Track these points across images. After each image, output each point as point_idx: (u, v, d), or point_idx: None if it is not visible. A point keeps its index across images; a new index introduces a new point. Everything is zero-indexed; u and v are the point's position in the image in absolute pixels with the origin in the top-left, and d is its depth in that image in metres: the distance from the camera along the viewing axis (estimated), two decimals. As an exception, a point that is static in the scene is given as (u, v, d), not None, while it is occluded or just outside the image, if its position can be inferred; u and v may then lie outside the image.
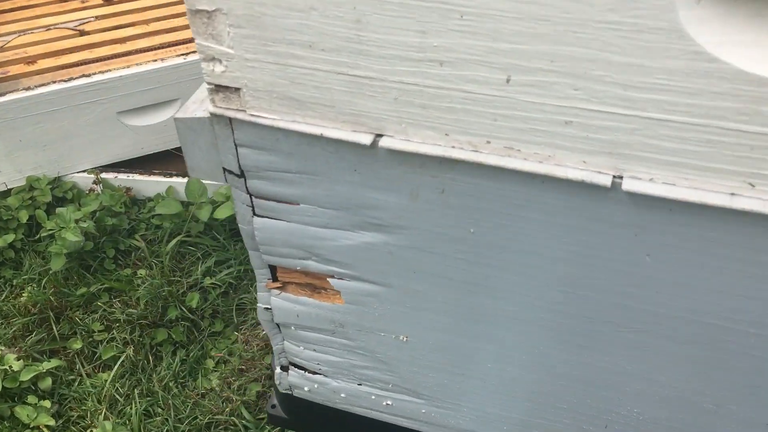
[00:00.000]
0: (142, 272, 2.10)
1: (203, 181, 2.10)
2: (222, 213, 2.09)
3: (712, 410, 0.86)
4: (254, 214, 0.91)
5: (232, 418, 1.81)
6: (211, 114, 0.81)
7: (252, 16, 0.71)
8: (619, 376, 0.88)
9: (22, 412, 1.77)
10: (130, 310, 2.00)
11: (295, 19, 0.70)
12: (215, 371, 1.95)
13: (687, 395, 0.86)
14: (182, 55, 2.24)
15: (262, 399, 1.88)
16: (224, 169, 0.88)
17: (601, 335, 0.84)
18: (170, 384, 1.91)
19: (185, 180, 2.23)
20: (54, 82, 2.13)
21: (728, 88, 0.60)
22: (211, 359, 1.97)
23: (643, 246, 0.73)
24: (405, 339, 0.97)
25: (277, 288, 1.00)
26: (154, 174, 2.29)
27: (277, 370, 1.13)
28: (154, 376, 1.92)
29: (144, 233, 2.19)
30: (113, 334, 1.98)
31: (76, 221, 2.03)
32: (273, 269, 0.99)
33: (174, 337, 1.98)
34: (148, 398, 1.86)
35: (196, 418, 1.81)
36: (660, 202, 0.69)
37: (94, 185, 2.21)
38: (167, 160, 2.35)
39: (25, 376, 1.81)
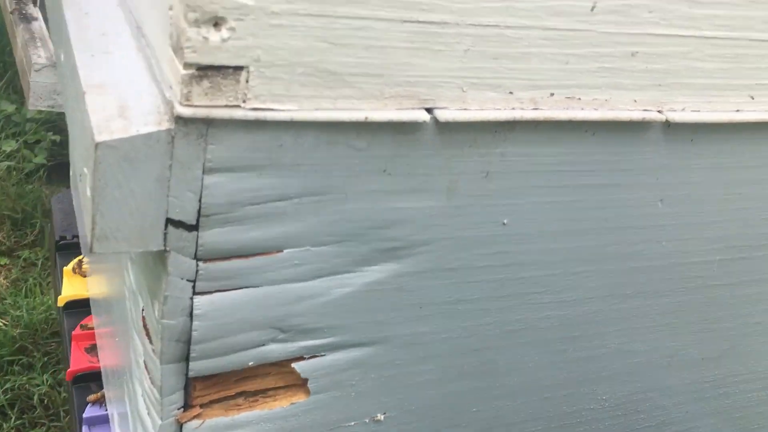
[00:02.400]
0: None
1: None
2: None
3: (665, 364, 0.88)
4: (195, 292, 0.59)
5: None
6: (178, 120, 0.51)
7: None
8: (599, 360, 0.83)
9: None
10: None
11: (372, -61, 0.50)
12: None
13: (654, 357, 0.86)
14: None
15: None
16: (168, 222, 0.55)
17: (622, 311, 0.79)
18: None
19: None
20: None
21: (764, -5, 0.66)
22: None
23: (659, 190, 0.73)
24: (382, 417, 0.74)
25: (195, 417, 0.66)
26: None
27: None
28: None
29: None
30: None
31: None
32: (188, 388, 0.65)
33: None
34: None
35: None
36: (687, 131, 0.70)
37: None
38: None
39: None
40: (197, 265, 0.58)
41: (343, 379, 0.70)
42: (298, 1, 0.50)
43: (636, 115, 0.66)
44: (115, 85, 0.54)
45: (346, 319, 0.66)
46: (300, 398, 0.69)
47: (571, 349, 0.80)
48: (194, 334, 0.61)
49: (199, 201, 0.55)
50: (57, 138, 3.21)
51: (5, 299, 2.40)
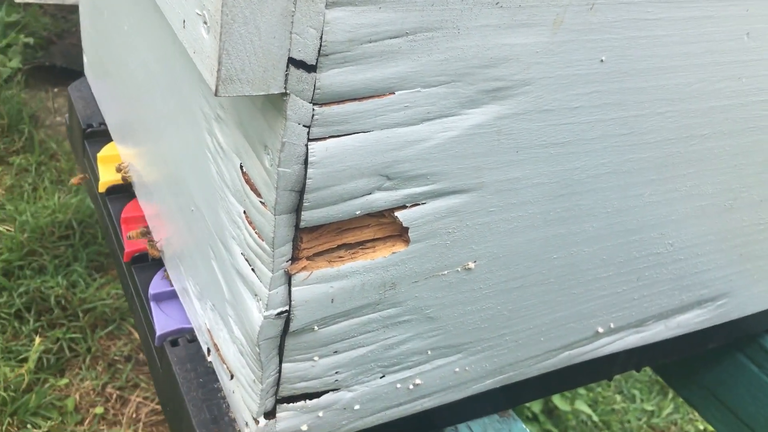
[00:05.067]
0: None
1: None
2: None
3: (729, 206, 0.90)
4: (310, 138, 0.58)
5: None
6: (307, -53, 0.49)
7: None
8: (670, 204, 0.85)
9: None
10: None
11: None
12: None
13: (721, 195, 0.88)
14: None
15: None
16: (290, 61, 0.53)
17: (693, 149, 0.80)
18: None
19: None
20: None
21: None
22: None
23: (747, 22, 0.72)
24: (472, 265, 0.75)
25: (303, 269, 0.66)
26: None
27: (261, 421, 0.75)
28: None
29: None
30: None
31: None
32: (296, 240, 0.65)
33: None
34: None
35: None
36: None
37: None
38: None
39: None
40: (313, 110, 0.57)
41: (441, 228, 0.70)
42: None
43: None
44: None
45: (447, 164, 0.66)
46: (400, 248, 0.70)
47: (648, 193, 0.82)
48: (308, 182, 0.60)
49: (320, 38, 0.53)
50: (30, 41, 3.08)
51: (4, 206, 2.36)
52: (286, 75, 0.54)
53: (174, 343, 0.90)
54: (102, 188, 1.12)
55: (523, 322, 0.85)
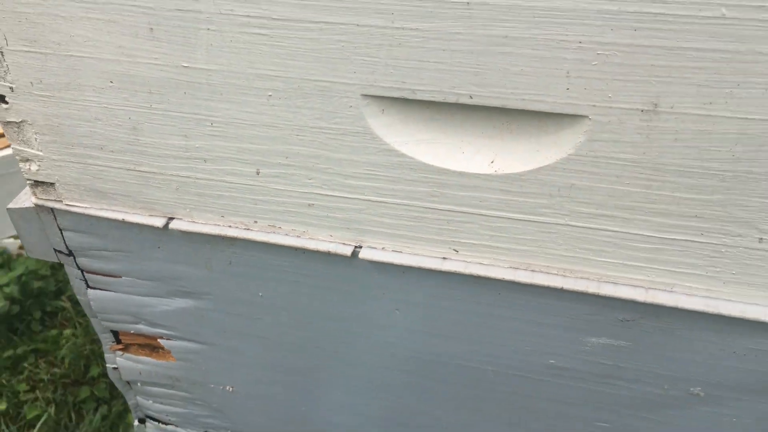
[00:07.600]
0: (67, 332, 2.18)
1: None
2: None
3: None
4: (87, 286, 1.04)
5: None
6: (35, 205, 0.95)
7: (51, 126, 0.85)
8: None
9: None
10: (54, 369, 2.08)
11: (86, 127, 0.84)
12: (139, 423, 2.03)
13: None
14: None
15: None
16: (55, 250, 1.01)
17: (353, 379, 0.98)
18: (93, 440, 1.97)
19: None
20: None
21: (418, 177, 0.76)
22: (133, 412, 2.06)
23: (391, 303, 0.88)
24: (231, 389, 1.10)
25: (120, 350, 1.13)
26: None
27: (136, 423, 1.25)
28: (77, 432, 1.99)
29: (71, 294, 2.27)
30: (37, 393, 2.04)
31: (1, 287, 2.12)
32: (116, 333, 1.11)
33: (97, 393, 2.05)
34: (72, 455, 1.93)
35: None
36: (392, 267, 0.84)
37: (21, 250, 2.31)
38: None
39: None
40: (83, 273, 1.03)
41: (191, 359, 1.08)
42: (64, 154, 0.88)
43: (333, 247, 0.85)
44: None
45: (174, 323, 1.03)
46: (172, 360, 1.10)
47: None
48: (93, 308, 1.06)
49: (65, 243, 0.99)
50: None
51: None
52: (57, 254, 1.01)
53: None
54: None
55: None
